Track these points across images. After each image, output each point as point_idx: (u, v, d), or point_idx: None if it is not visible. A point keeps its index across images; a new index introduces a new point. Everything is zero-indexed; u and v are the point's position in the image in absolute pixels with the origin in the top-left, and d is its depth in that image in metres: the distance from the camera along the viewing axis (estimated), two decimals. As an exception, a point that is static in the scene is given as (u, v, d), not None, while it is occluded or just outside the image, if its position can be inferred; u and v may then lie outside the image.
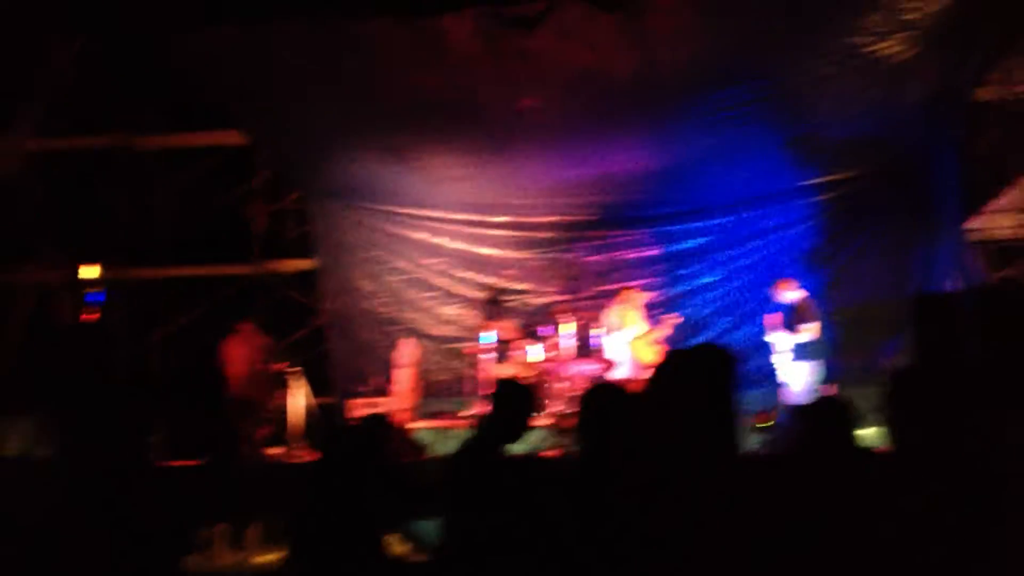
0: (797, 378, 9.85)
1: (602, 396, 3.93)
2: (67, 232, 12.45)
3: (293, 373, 10.55)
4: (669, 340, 10.31)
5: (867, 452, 4.00)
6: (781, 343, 10.06)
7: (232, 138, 12.90)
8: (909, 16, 8.71)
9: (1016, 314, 7.25)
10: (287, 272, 14.08)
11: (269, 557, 8.87)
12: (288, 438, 10.77)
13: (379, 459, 5.43)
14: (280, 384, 11.39)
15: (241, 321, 11.28)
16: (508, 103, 9.90)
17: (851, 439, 4.28)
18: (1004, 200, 11.14)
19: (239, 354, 11.02)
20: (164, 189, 14.21)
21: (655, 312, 11.04)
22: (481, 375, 10.61)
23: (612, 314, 10.63)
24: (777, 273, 10.98)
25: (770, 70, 9.45)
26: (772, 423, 8.55)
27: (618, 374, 10.14)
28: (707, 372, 2.34)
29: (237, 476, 8.07)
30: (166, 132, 13.81)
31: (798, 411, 7.92)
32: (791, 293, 10.22)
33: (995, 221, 11.45)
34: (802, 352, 9.86)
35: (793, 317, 10.06)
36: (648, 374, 9.62)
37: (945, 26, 8.84)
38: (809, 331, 9.87)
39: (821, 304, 10.70)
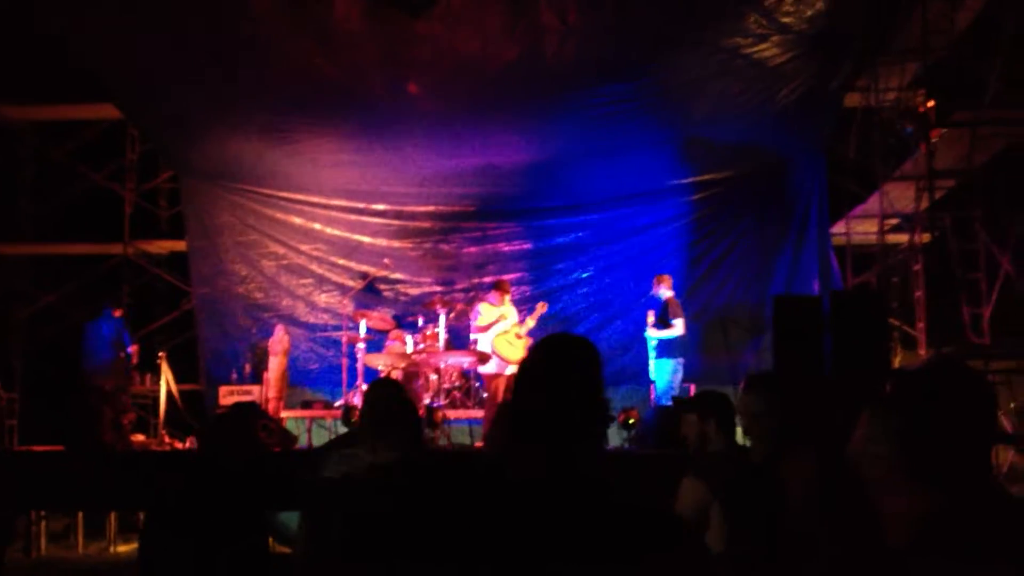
0: (659, 375, 10.01)
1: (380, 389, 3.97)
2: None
3: (160, 358, 10.30)
4: (533, 333, 10.31)
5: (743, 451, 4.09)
6: (650, 339, 10.21)
7: (106, 111, 12.52)
8: (785, 19, 8.96)
9: (868, 320, 7.56)
10: (158, 253, 13.75)
11: (130, 546, 8.68)
12: (156, 425, 10.54)
13: (247, 448, 5.34)
14: (148, 369, 11.13)
15: (104, 303, 10.93)
16: (393, 87, 9.83)
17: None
18: (867, 206, 11.51)
19: (101, 337, 10.70)
20: (32, 162, 13.73)
21: (528, 306, 11.11)
22: (356, 365, 10.54)
23: (483, 308, 10.64)
24: (649, 270, 11.18)
25: (654, 67, 9.61)
26: (637, 420, 8.69)
27: (489, 367, 10.14)
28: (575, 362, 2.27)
29: (98, 463, 7.84)
30: (36, 103, 13.31)
31: (668, 409, 8.13)
32: (665, 290, 10.40)
33: (858, 227, 11.84)
34: (664, 349, 10.00)
35: (662, 314, 10.24)
36: (511, 369, 9.63)
37: (818, 31, 9.12)
38: (674, 329, 10.04)
39: (687, 303, 10.96)
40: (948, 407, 1.85)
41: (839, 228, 11.85)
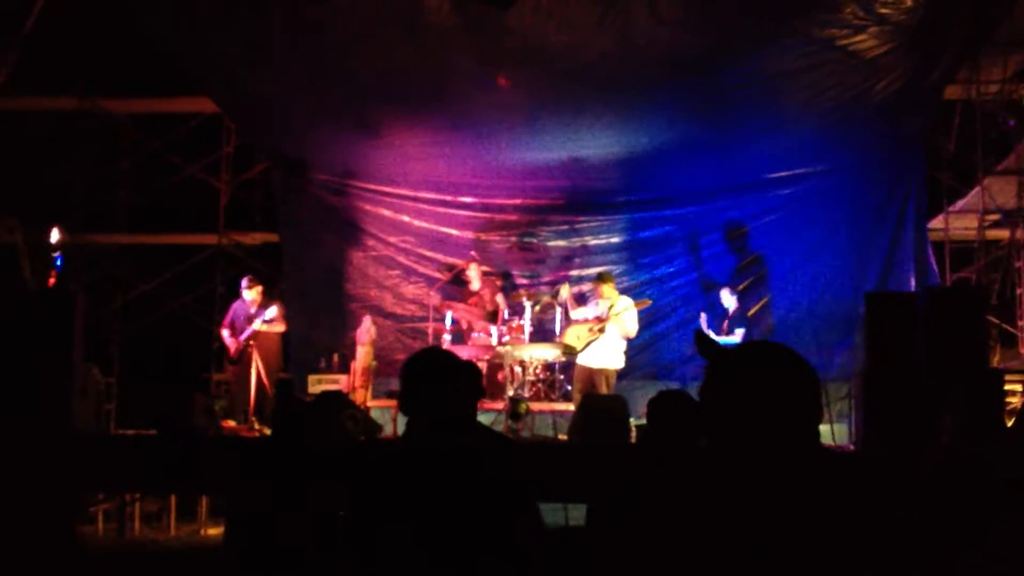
0: None
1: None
2: (23, 194, 12.26)
3: (251, 346, 10.47)
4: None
5: (825, 450, 3.98)
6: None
7: (203, 105, 12.79)
8: (884, 10, 8.73)
9: (965, 317, 7.32)
10: (252, 244, 14.00)
11: (219, 529, 8.86)
12: (245, 412, 10.71)
13: (331, 436, 5.40)
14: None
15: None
16: (482, 80, 9.85)
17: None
18: (967, 201, 11.19)
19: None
20: (130, 154, 14.08)
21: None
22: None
23: (577, 301, 10.66)
24: (736, 264, 11.13)
25: (747, 60, 9.45)
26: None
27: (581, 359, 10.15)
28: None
29: (190, 448, 8.00)
30: (135, 96, 13.65)
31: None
32: (728, 298, 10.61)
33: (957, 222, 11.51)
34: None
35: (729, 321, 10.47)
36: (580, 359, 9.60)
37: (919, 22, 8.86)
38: (735, 338, 10.15)
39: (776, 298, 10.90)
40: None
41: (937, 223, 11.53)
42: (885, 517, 3.13)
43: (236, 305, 11.00)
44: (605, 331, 10.00)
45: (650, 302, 10.57)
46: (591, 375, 9.98)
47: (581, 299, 10.93)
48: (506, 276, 12.00)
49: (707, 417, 2.20)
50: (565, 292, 10.43)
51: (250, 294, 10.84)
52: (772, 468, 2.12)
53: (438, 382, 3.08)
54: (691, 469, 2.38)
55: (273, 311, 10.65)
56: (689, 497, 2.24)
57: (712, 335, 10.04)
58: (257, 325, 10.61)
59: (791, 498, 2.13)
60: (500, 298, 11.03)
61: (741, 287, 11.19)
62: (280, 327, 10.89)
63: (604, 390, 9.76)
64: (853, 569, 2.17)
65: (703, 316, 10.65)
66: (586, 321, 10.16)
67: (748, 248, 11.70)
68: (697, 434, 3.81)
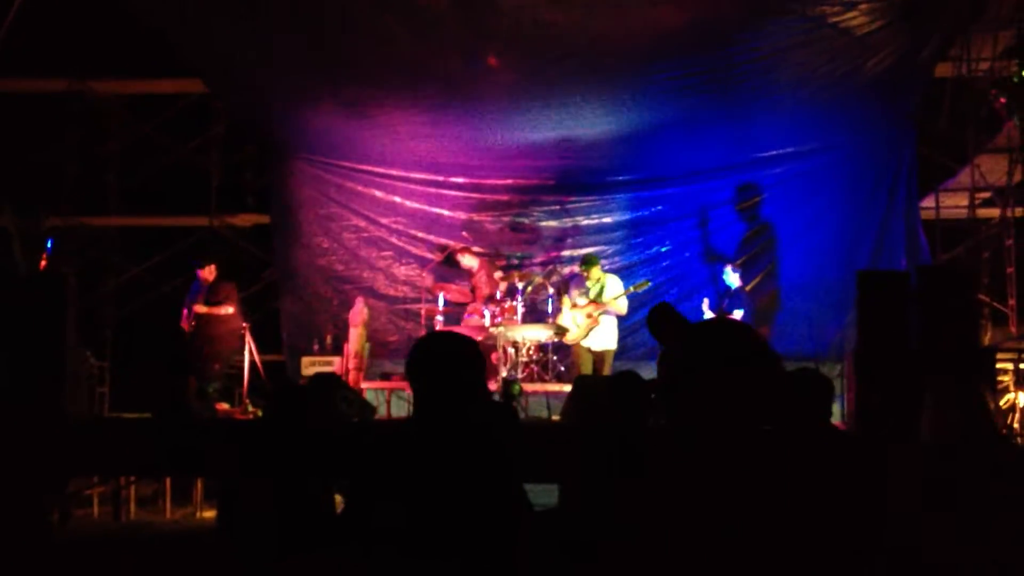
0: None
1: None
2: (12, 177, 12.20)
3: (244, 329, 10.46)
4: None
5: (834, 429, 4.02)
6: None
7: (193, 86, 12.72)
8: (876, -14, 8.74)
9: (957, 296, 7.34)
10: (243, 225, 13.95)
11: (215, 512, 8.88)
12: (240, 394, 10.73)
13: (323, 417, 5.42)
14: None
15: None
16: (472, 60, 9.82)
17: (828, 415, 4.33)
18: (958, 179, 11.20)
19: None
20: (119, 135, 13.99)
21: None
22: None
23: (570, 282, 10.72)
24: (729, 244, 11.12)
25: (739, 39, 9.43)
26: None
27: (569, 339, 10.24)
28: None
29: (185, 430, 8.01)
30: (123, 77, 13.56)
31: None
32: (732, 275, 10.61)
33: (948, 200, 11.53)
34: None
35: (728, 300, 10.49)
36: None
37: (911, -1, 8.89)
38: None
39: (769, 278, 10.93)
40: None
41: (928, 202, 11.54)
42: (874, 494, 3.16)
43: (193, 285, 10.98)
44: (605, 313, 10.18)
45: (648, 283, 10.62)
46: (595, 358, 10.15)
47: (574, 280, 10.96)
48: (502, 258, 12.00)
49: (664, 398, 2.21)
50: (567, 305, 10.48)
51: (202, 273, 10.78)
52: (732, 450, 2.12)
53: (441, 369, 3.05)
54: (654, 450, 2.38)
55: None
56: (655, 478, 2.24)
57: (711, 315, 10.11)
58: (199, 308, 10.56)
59: (760, 479, 2.13)
60: (499, 275, 11.05)
61: (739, 261, 11.23)
62: (227, 309, 10.72)
63: (607, 371, 9.90)
64: (835, 548, 2.18)
65: (706, 301, 10.65)
66: (577, 307, 10.27)
67: (739, 227, 11.73)
68: (650, 414, 3.82)
